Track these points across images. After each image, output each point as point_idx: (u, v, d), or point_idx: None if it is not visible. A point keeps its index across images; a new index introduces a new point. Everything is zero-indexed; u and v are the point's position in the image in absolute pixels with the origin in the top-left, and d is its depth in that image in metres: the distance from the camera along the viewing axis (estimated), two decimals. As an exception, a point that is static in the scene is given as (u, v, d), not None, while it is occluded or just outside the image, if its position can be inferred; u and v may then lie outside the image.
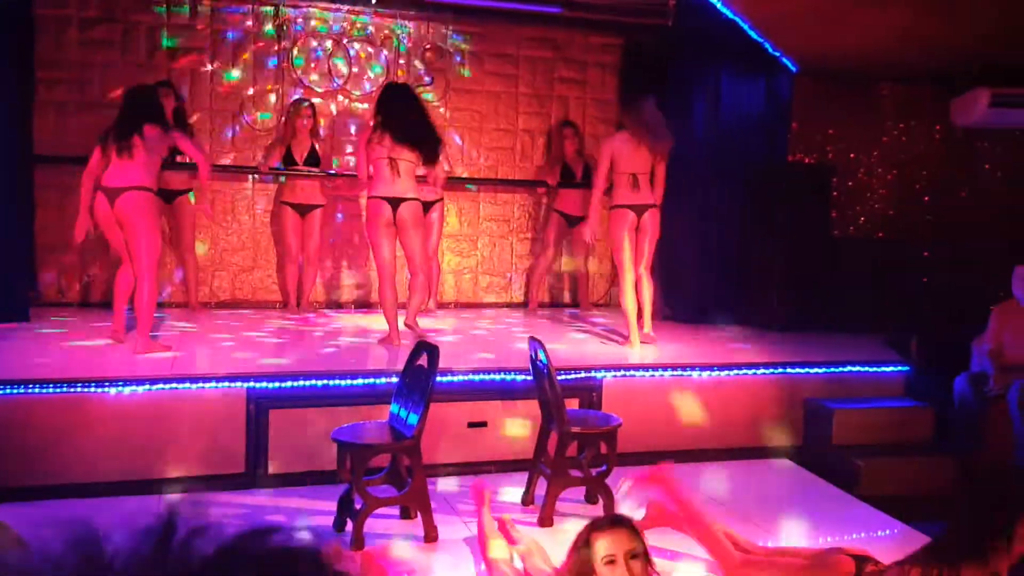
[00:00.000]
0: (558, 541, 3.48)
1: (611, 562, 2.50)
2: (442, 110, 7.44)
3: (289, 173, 6.84)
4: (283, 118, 7.03)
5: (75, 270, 6.78)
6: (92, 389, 4.33)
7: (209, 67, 6.98)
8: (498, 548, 3.24)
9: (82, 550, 0.54)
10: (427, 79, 7.40)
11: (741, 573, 3.35)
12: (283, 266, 7.07)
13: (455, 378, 4.80)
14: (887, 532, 4.16)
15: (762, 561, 3.35)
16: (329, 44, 7.22)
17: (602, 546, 2.51)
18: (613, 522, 2.59)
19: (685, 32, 7.02)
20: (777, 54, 7.01)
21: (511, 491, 4.43)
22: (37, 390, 4.27)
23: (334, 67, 7.22)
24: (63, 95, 6.66)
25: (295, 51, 7.14)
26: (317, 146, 6.87)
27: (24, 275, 6.13)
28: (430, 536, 3.84)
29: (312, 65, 7.20)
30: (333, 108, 7.31)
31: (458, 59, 7.51)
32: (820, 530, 4.07)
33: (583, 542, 2.57)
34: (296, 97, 7.03)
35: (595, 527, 2.59)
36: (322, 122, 7.20)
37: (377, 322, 6.43)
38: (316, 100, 7.12)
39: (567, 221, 7.32)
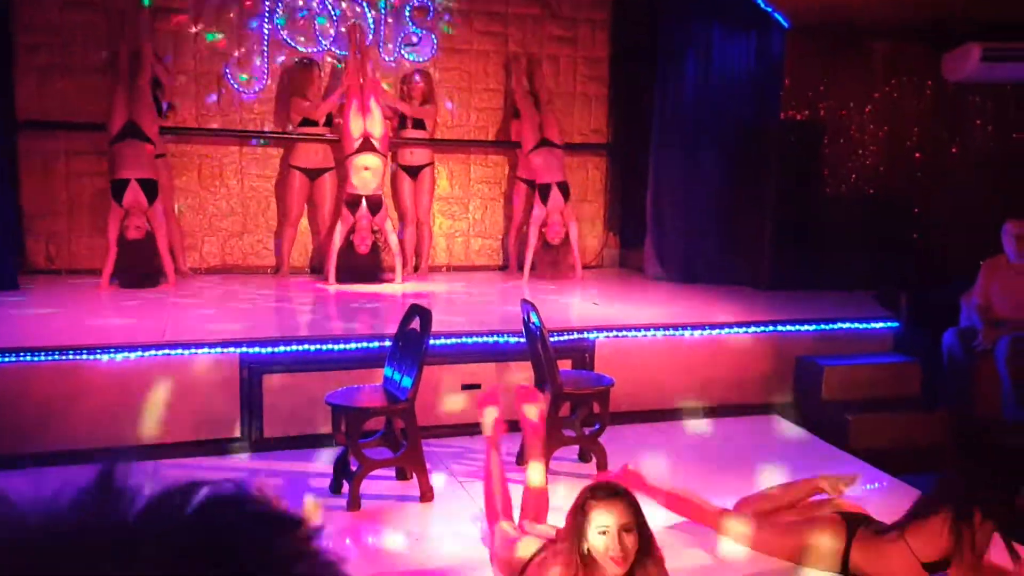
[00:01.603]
0: (552, 500, 3.53)
1: (603, 533, 2.53)
2: (431, 71, 7.35)
3: (295, 137, 6.80)
4: (287, 78, 6.95)
5: (63, 237, 6.73)
6: (85, 356, 4.33)
7: (193, 29, 6.86)
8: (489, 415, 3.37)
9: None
10: (414, 39, 7.30)
11: (728, 527, 3.40)
12: (281, 230, 7.02)
13: (448, 341, 4.82)
14: (876, 485, 4.23)
15: (752, 519, 3.40)
16: (314, 4, 7.10)
17: (597, 516, 2.54)
18: (611, 493, 2.59)
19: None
20: (769, 9, 6.92)
21: (505, 451, 4.47)
22: (29, 358, 4.27)
23: (319, 27, 7.11)
24: (45, 59, 6.54)
25: (279, 11, 7.02)
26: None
27: (11, 243, 6.08)
28: (426, 496, 3.88)
29: (297, 25, 7.09)
30: (320, 66, 7.20)
31: (446, 18, 7.40)
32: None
33: (580, 509, 2.59)
34: (302, 59, 6.94)
35: (593, 495, 2.60)
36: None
37: (359, 288, 6.44)
38: (312, 58, 7.05)
39: (530, 187, 7.28)
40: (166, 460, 4.25)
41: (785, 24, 7.06)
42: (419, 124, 7.07)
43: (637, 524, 2.56)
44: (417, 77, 7.09)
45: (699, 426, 5.06)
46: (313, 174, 6.87)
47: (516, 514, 3.31)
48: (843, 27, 7.40)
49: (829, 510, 3.29)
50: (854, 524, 3.17)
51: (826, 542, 3.15)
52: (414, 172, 7.12)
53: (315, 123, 6.84)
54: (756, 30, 7.02)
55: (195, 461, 4.30)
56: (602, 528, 2.53)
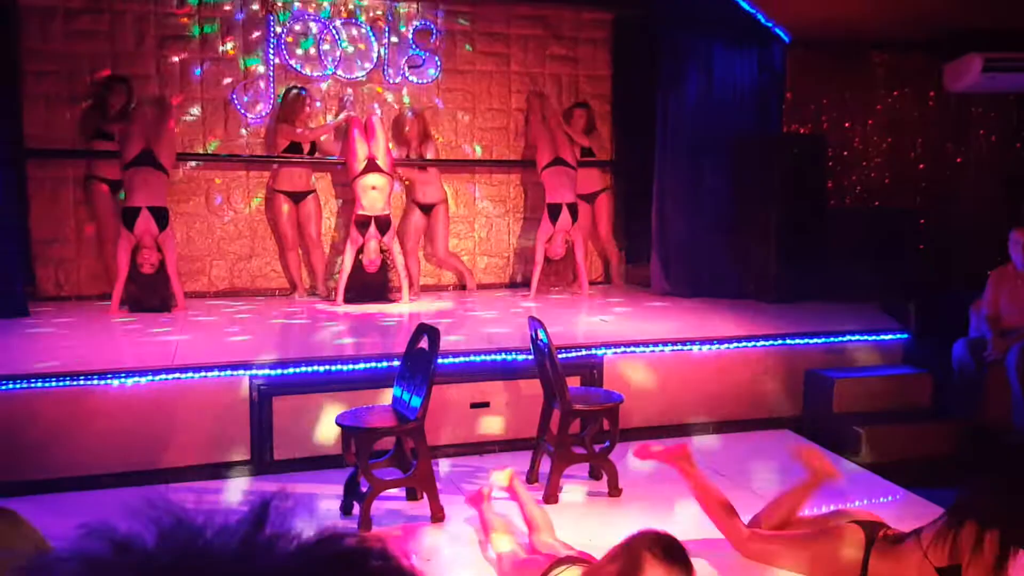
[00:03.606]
0: (563, 518, 3.52)
1: None
2: (435, 93, 7.41)
3: (282, 160, 6.86)
4: (277, 105, 7.01)
5: (72, 263, 6.77)
6: (95, 381, 4.34)
7: (198, 54, 6.93)
8: (502, 543, 3.25)
9: (175, 536, 0.56)
10: (419, 60, 7.36)
11: (750, 547, 3.38)
12: (284, 253, 7.08)
13: (456, 359, 4.82)
14: (889, 498, 4.20)
15: (770, 534, 3.39)
16: (318, 27, 7.17)
17: (652, 574, 2.28)
18: (671, 555, 2.31)
19: (676, 4, 6.99)
20: (770, 24, 6.97)
21: (516, 470, 4.46)
22: (41, 384, 4.28)
23: (324, 50, 7.18)
24: (51, 87, 6.62)
25: (284, 35, 7.09)
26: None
27: (21, 270, 6.12)
28: (436, 516, 3.87)
29: (301, 49, 7.16)
30: (325, 90, 7.26)
31: (449, 40, 7.47)
32: (823, 498, 4.11)
33: (635, 560, 2.31)
34: (292, 86, 7.00)
35: (653, 550, 2.31)
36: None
37: (366, 308, 6.46)
38: (304, 87, 7.10)
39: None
40: (177, 484, 4.27)
41: (786, 38, 7.10)
42: (422, 167, 7.16)
43: None
44: (410, 116, 7.13)
45: (709, 442, 5.04)
46: (297, 197, 6.94)
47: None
48: (844, 40, 7.44)
49: (845, 520, 3.27)
50: (872, 531, 3.15)
51: (845, 550, 3.13)
52: (427, 209, 7.19)
53: (300, 149, 6.91)
54: (757, 45, 7.06)
55: (206, 484, 4.31)
56: None
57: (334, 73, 7.21)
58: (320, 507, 4.05)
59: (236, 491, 4.24)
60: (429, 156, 7.17)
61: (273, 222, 7.07)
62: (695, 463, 3.62)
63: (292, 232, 6.96)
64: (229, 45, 7.00)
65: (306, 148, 6.95)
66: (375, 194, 6.55)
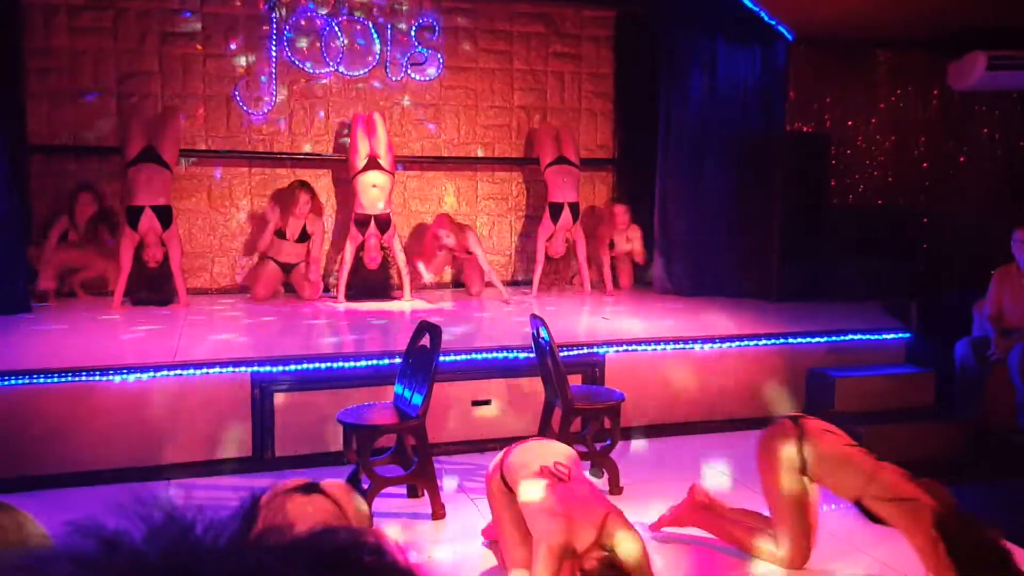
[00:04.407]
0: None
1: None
2: (437, 90, 7.40)
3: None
4: (274, 202, 6.82)
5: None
6: (97, 377, 4.35)
7: (200, 50, 6.93)
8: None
9: (165, 530, 0.55)
10: (421, 58, 7.35)
11: (795, 557, 3.37)
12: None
13: (458, 357, 4.82)
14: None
15: (775, 520, 3.39)
16: (322, 24, 7.16)
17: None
18: None
19: (679, 1, 6.98)
20: (773, 22, 6.96)
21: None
22: (43, 380, 4.29)
23: (327, 46, 7.18)
24: (55, 84, 6.62)
25: (287, 32, 7.09)
26: (307, 224, 6.68)
27: (24, 267, 6.12)
28: (437, 514, 3.87)
29: (305, 45, 7.15)
30: (327, 87, 7.26)
31: (451, 37, 7.46)
32: (823, 498, 4.10)
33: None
34: (294, 181, 6.85)
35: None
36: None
37: (368, 305, 6.46)
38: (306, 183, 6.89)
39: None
40: (178, 480, 4.27)
41: (789, 36, 7.09)
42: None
43: None
44: (443, 233, 6.83)
45: (711, 441, 5.03)
46: (287, 268, 6.79)
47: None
48: (847, 38, 7.43)
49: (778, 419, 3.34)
50: (796, 420, 3.25)
51: (781, 445, 3.20)
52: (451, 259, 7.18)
53: (284, 235, 6.65)
54: (760, 43, 7.05)
55: (206, 481, 4.31)
56: None
57: (336, 70, 7.20)
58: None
59: (235, 488, 4.24)
60: (471, 246, 6.83)
61: (253, 280, 6.82)
62: (712, 502, 3.58)
63: (268, 294, 6.74)
64: (232, 43, 6.99)
65: (291, 237, 6.65)
66: (375, 192, 6.52)
